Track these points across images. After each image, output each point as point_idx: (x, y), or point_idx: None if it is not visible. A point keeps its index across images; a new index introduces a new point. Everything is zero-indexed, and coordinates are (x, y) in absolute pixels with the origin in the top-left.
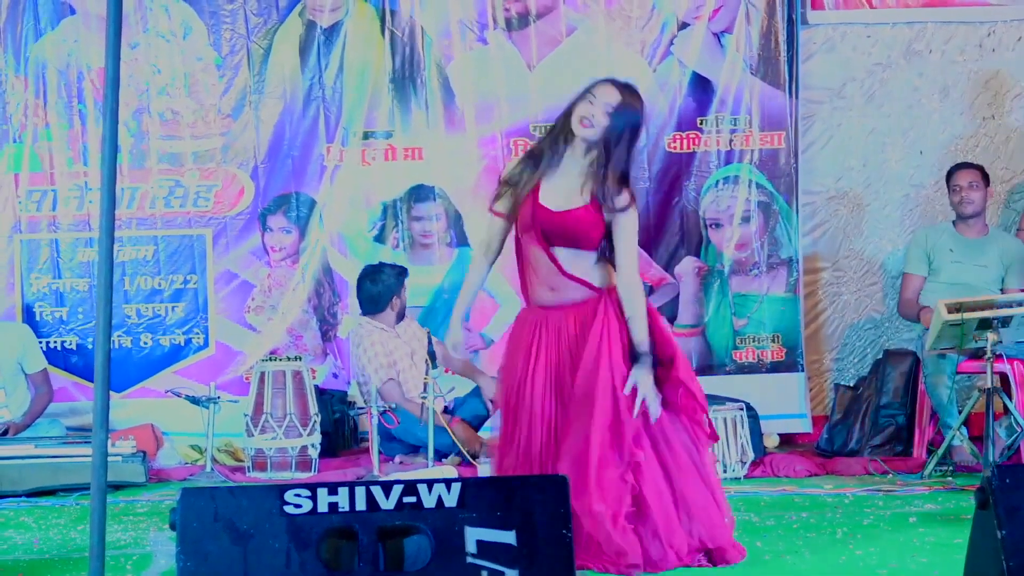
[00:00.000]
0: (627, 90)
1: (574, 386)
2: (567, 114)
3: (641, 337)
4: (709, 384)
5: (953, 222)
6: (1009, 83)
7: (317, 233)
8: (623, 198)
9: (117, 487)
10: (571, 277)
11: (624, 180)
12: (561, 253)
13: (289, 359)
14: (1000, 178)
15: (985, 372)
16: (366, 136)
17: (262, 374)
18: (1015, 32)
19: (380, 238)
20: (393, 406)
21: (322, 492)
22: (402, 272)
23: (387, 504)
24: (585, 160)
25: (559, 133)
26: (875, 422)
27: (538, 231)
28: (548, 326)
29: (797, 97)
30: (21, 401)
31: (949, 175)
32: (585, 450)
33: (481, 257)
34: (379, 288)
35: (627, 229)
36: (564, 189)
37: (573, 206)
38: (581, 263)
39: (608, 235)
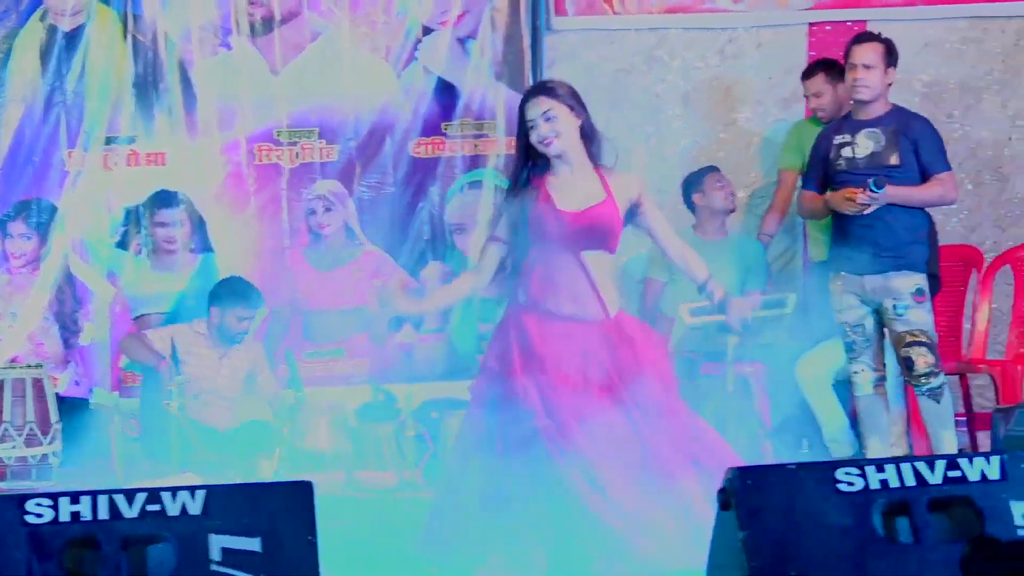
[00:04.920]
0: (544, 90)
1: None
2: (523, 147)
3: (703, 273)
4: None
5: (693, 226)
6: (749, 89)
7: (58, 239)
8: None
9: None
10: (596, 292)
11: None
12: (588, 258)
13: (29, 367)
14: (742, 183)
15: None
16: (108, 141)
17: (1, 382)
18: (754, 39)
19: (122, 244)
20: (137, 417)
21: (64, 501)
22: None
23: (130, 512)
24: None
25: (528, 158)
26: None
27: (565, 236)
28: (572, 339)
29: None
30: None
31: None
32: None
33: (474, 278)
34: None
35: (651, 206)
36: (579, 188)
37: (594, 202)
38: (603, 273)
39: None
